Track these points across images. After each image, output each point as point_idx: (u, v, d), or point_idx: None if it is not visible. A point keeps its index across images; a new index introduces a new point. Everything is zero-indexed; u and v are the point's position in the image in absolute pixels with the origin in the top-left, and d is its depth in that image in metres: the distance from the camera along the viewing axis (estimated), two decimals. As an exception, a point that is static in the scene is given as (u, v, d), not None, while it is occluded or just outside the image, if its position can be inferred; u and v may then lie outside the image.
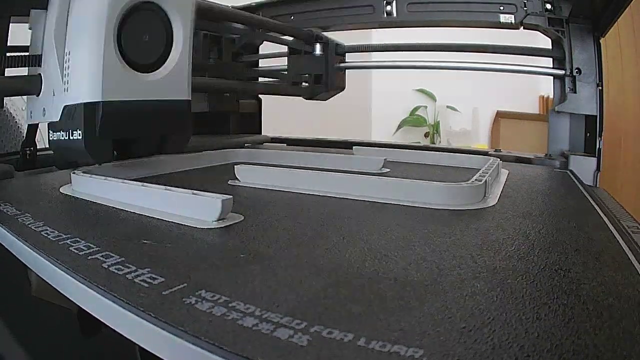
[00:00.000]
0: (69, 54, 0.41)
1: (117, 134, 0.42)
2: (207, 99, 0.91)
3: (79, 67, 0.40)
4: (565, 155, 0.68)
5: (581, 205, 0.38)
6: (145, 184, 0.34)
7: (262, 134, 1.00)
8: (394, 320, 0.16)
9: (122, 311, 0.18)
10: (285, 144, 0.91)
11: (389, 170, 0.54)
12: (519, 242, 0.26)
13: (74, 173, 0.41)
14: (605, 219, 0.33)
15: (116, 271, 0.21)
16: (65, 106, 0.41)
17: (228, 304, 0.18)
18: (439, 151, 0.67)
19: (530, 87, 2.50)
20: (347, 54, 0.89)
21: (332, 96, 0.91)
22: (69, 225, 0.29)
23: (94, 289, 0.20)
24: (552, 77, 0.74)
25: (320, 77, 0.86)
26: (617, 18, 0.65)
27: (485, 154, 0.70)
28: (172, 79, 0.45)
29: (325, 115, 1.54)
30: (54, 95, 0.42)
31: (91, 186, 0.39)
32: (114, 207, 0.34)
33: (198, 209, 0.30)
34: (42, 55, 0.43)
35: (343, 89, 0.91)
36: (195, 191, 0.31)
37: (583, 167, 0.65)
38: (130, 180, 0.37)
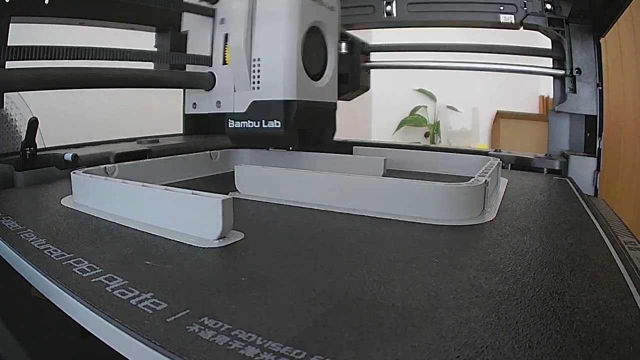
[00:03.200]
0: (259, 60, 0.53)
1: (302, 125, 0.55)
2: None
3: (274, 72, 0.52)
4: (565, 155, 0.68)
5: (579, 220, 0.38)
6: (145, 184, 0.34)
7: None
8: (391, 350, 0.17)
9: (128, 338, 0.18)
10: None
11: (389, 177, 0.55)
12: (516, 262, 0.27)
13: (74, 173, 0.41)
14: (602, 233, 0.33)
15: (120, 295, 0.21)
16: (254, 101, 0.54)
17: (230, 332, 0.18)
18: (438, 151, 0.67)
19: (530, 87, 2.50)
20: (370, 53, 0.88)
21: (357, 96, 0.90)
22: (72, 242, 0.29)
23: (98, 314, 0.20)
24: (552, 77, 0.74)
25: (347, 77, 0.84)
26: (617, 18, 0.65)
27: (485, 154, 0.70)
28: (328, 86, 0.60)
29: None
30: (235, 91, 0.55)
31: (91, 194, 0.39)
32: (115, 223, 0.34)
33: (199, 227, 0.30)
34: (211, 56, 0.56)
35: (368, 88, 0.90)
36: (195, 193, 0.31)
37: (583, 167, 0.65)
38: (130, 180, 0.37)
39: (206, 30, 0.56)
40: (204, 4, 0.55)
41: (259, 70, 0.53)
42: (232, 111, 0.55)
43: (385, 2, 0.83)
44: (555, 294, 0.22)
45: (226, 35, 0.54)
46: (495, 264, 0.26)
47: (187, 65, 0.57)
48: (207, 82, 0.55)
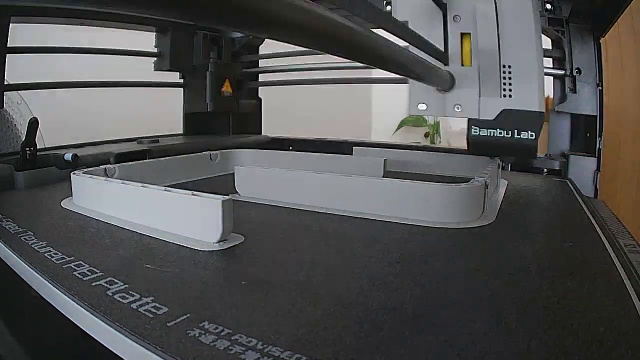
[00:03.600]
0: (509, 67, 0.51)
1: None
2: (208, 99, 0.91)
3: (527, 81, 0.51)
4: (565, 155, 0.68)
5: (579, 222, 0.38)
6: (145, 184, 0.34)
7: (262, 134, 1.00)
8: (390, 354, 0.17)
9: (129, 342, 0.18)
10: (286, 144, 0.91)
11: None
12: (516, 265, 0.27)
13: (74, 174, 0.41)
14: (602, 236, 0.33)
15: (121, 299, 0.21)
16: (505, 109, 0.52)
17: (231, 337, 0.18)
18: (438, 152, 0.67)
19: (530, 87, 2.49)
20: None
21: None
22: (72, 245, 0.30)
23: (100, 318, 0.20)
24: (552, 77, 0.74)
25: None
26: (617, 18, 0.65)
27: (485, 154, 0.69)
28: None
29: (325, 115, 1.54)
30: (479, 96, 0.53)
31: (91, 195, 0.39)
32: (115, 225, 0.34)
33: (200, 229, 0.30)
34: (448, 55, 0.53)
35: None
36: (195, 194, 0.31)
37: (583, 167, 0.65)
38: (129, 181, 0.37)
39: (434, 24, 0.53)
40: None
41: (510, 77, 0.51)
42: (476, 117, 0.53)
43: (385, 2, 0.83)
44: (555, 298, 0.22)
45: (462, 34, 0.52)
46: (495, 267, 0.26)
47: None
48: (447, 82, 0.52)
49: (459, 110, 0.53)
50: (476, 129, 0.54)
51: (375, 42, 0.32)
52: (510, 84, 0.51)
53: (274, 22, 0.19)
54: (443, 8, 0.52)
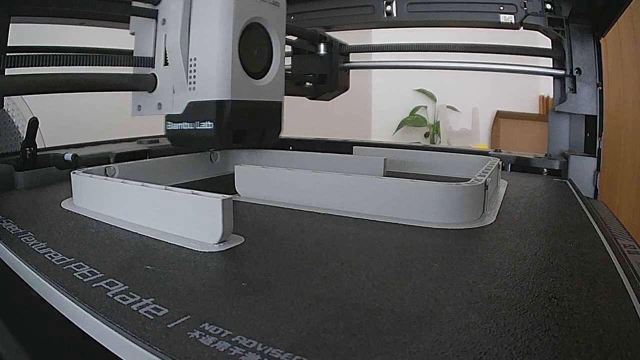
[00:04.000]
0: (195, 60, 0.50)
1: (238, 125, 0.53)
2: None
3: (209, 72, 0.50)
4: (565, 155, 0.68)
5: (579, 223, 0.38)
6: (145, 184, 0.34)
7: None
8: (390, 356, 0.17)
9: (129, 343, 0.18)
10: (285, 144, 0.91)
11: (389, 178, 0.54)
12: (515, 266, 0.26)
13: (74, 173, 0.41)
14: (602, 237, 0.33)
15: (121, 301, 0.21)
16: (191, 102, 0.51)
17: (231, 339, 0.18)
18: (438, 151, 0.67)
19: (530, 87, 2.50)
20: (350, 54, 0.88)
21: (336, 96, 0.91)
22: (72, 246, 0.30)
23: (100, 320, 0.20)
24: (552, 77, 0.74)
25: (325, 77, 0.85)
26: (617, 18, 0.65)
27: (485, 154, 0.70)
28: (272, 84, 0.57)
29: (325, 115, 1.54)
30: (174, 92, 0.52)
31: (91, 195, 0.39)
32: (115, 226, 0.34)
33: (200, 229, 0.30)
34: (154, 58, 0.54)
35: (347, 89, 0.91)
36: (195, 193, 0.31)
37: (583, 167, 0.65)
38: (129, 180, 0.37)
39: (149, 31, 0.55)
40: (148, 5, 0.54)
41: (195, 70, 0.51)
42: (171, 112, 0.53)
43: (385, 2, 0.83)
44: (554, 299, 0.22)
45: (165, 36, 0.53)
46: (494, 269, 0.26)
47: (133, 67, 0.55)
48: (149, 84, 0.54)
49: (160, 108, 0.54)
50: (169, 124, 0.54)
51: (77, 79, 0.47)
52: (194, 77, 0.51)
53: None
54: (154, 15, 0.54)
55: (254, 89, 0.54)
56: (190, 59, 0.51)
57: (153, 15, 0.54)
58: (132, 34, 0.56)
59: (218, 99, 0.50)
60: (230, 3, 0.49)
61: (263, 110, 0.56)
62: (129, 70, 0.55)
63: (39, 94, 0.46)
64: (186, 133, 0.52)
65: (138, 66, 0.54)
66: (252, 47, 0.53)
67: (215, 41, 0.49)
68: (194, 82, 0.51)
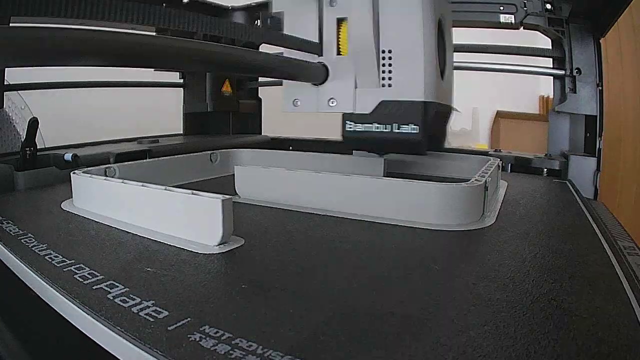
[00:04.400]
0: (389, 52, 0.44)
1: (433, 129, 0.48)
2: (208, 99, 0.91)
3: (411, 68, 0.44)
4: (565, 155, 0.68)
5: (579, 224, 0.38)
6: (145, 184, 0.34)
7: (262, 134, 1.00)
8: (389, 359, 0.17)
9: (130, 346, 0.18)
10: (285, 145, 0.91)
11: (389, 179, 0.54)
12: (515, 268, 0.26)
13: (74, 173, 0.41)
14: (601, 238, 0.33)
15: (121, 303, 0.21)
16: (383, 101, 0.45)
17: (231, 341, 0.18)
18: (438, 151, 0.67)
19: (530, 87, 2.50)
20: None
21: None
22: (73, 248, 0.30)
23: (101, 322, 0.20)
24: (552, 77, 0.74)
25: None
26: (617, 18, 0.65)
27: (485, 154, 0.70)
28: (448, 85, 0.51)
29: (325, 115, 1.54)
30: (356, 87, 0.46)
31: (91, 196, 0.39)
32: (115, 228, 0.34)
33: (200, 232, 0.30)
34: (321, 44, 0.47)
35: None
36: (195, 193, 0.31)
37: (583, 167, 0.65)
38: (129, 181, 0.37)
39: (309, 12, 0.47)
40: None
41: (390, 65, 0.45)
42: (351, 111, 0.47)
43: None
44: (554, 301, 0.22)
45: (339, 20, 0.46)
46: (494, 271, 0.26)
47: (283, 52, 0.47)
48: (319, 75, 0.47)
49: (334, 104, 0.47)
50: (350, 124, 0.47)
51: (235, 55, 0.34)
52: (390, 72, 0.45)
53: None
54: None
55: (441, 90, 0.49)
56: (383, 51, 0.45)
57: None
58: (272, 16, 0.48)
59: (425, 100, 0.45)
60: None
61: (444, 113, 0.53)
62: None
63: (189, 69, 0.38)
64: (377, 136, 0.47)
65: (302, 51, 0.46)
66: (438, 46, 0.48)
67: (420, 32, 0.43)
68: (390, 79, 0.45)
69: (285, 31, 0.48)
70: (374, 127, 0.46)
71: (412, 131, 0.45)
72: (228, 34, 0.35)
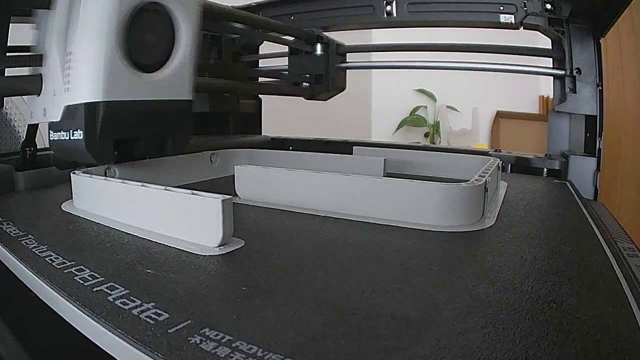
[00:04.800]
0: (71, 54, 0.40)
1: (119, 134, 0.42)
2: (208, 99, 0.91)
3: (81, 67, 0.40)
4: (565, 155, 0.68)
5: (578, 225, 0.38)
6: (145, 184, 0.34)
7: (262, 134, 1.00)
8: None
9: (130, 349, 0.18)
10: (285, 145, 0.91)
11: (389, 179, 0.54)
12: (515, 270, 0.27)
13: (74, 174, 0.41)
14: (601, 240, 0.33)
15: (122, 305, 0.21)
16: (66, 106, 0.41)
17: (232, 344, 0.18)
18: (438, 151, 0.67)
19: (530, 87, 2.50)
20: (347, 54, 0.88)
21: (332, 96, 0.91)
22: (73, 249, 0.30)
23: (101, 324, 0.20)
24: (552, 77, 0.74)
25: (321, 77, 0.85)
26: (617, 18, 0.65)
27: (485, 154, 0.70)
28: (174, 78, 0.45)
29: (325, 115, 1.54)
30: (54, 95, 0.42)
31: (91, 197, 0.39)
32: (115, 229, 0.34)
33: (200, 233, 0.30)
34: (43, 55, 0.43)
35: (343, 89, 0.91)
36: (195, 193, 0.31)
37: (583, 167, 0.65)
38: (129, 181, 0.37)
39: (44, 24, 0.43)
40: None
41: (70, 67, 0.40)
42: (51, 119, 0.42)
43: (385, 2, 0.83)
44: (553, 304, 0.22)
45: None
46: (494, 273, 0.26)
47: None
48: (35, 86, 0.43)
49: (44, 114, 0.43)
50: (51, 134, 0.43)
51: None
52: (69, 75, 0.40)
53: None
54: (46, 4, 0.42)
55: (144, 85, 0.42)
56: (68, 53, 0.40)
57: (45, 5, 0.42)
58: (35, 29, 0.45)
59: (87, 101, 0.39)
60: None
61: (159, 112, 0.44)
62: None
63: None
64: (63, 145, 0.41)
65: (28, 65, 0.44)
66: (145, 33, 0.42)
67: (91, 28, 0.39)
68: (69, 81, 0.40)
69: (35, 45, 0.45)
70: (62, 135, 0.41)
71: (78, 137, 0.40)
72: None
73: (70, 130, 0.40)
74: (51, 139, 0.43)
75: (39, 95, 0.44)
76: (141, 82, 0.42)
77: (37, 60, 0.43)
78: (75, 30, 0.40)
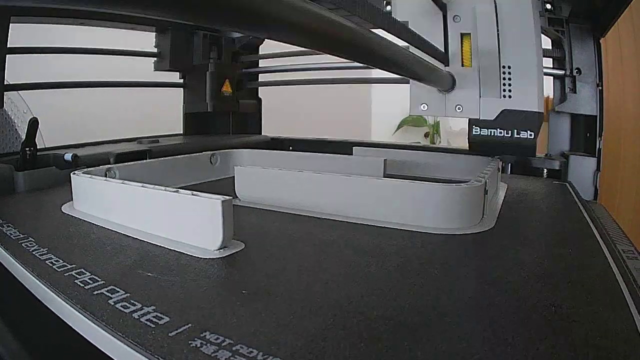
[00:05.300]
0: (509, 68, 0.52)
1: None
2: (208, 99, 0.91)
3: (527, 82, 0.52)
4: (565, 155, 0.68)
5: (578, 227, 0.38)
6: (144, 185, 0.34)
7: (262, 134, 1.00)
8: None
9: (131, 352, 0.18)
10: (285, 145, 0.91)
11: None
12: (515, 273, 0.27)
13: (74, 174, 0.41)
14: (601, 242, 0.33)
15: (122, 309, 0.21)
16: (505, 110, 0.54)
17: (232, 347, 0.18)
18: (438, 152, 0.67)
19: (530, 87, 2.50)
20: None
21: None
22: (73, 252, 0.30)
23: (102, 328, 0.20)
24: (552, 77, 0.74)
25: None
26: (617, 18, 0.65)
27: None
28: None
29: (325, 115, 1.54)
30: (480, 97, 0.54)
31: (91, 198, 0.39)
32: (115, 232, 0.34)
33: (200, 236, 0.30)
34: (448, 56, 0.54)
35: None
36: (195, 194, 0.31)
37: (583, 167, 0.65)
38: (129, 181, 0.37)
39: (434, 24, 0.53)
40: None
41: (509, 78, 0.53)
42: (477, 117, 0.55)
43: (385, 2, 0.83)
44: (552, 307, 0.22)
45: (462, 35, 0.53)
46: (494, 276, 0.26)
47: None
48: (447, 82, 0.53)
49: (460, 110, 0.55)
50: (477, 129, 0.55)
51: (375, 42, 0.31)
52: (509, 85, 0.52)
53: (275, 22, 0.19)
54: (443, 8, 0.53)
55: None
56: (504, 66, 0.53)
57: (441, 6, 0.53)
58: (404, 22, 0.52)
59: (539, 111, 0.53)
60: (537, 13, 0.51)
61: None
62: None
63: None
64: (498, 140, 0.55)
65: (430, 55, 0.51)
66: None
67: (535, 50, 0.51)
68: (509, 90, 0.53)
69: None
70: (497, 132, 0.54)
71: (529, 137, 0.54)
72: (368, 18, 0.32)
73: (516, 130, 0.54)
74: (476, 133, 0.56)
75: (448, 91, 0.54)
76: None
77: (443, 57, 0.53)
78: (512, 48, 0.51)
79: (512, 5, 0.51)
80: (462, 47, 0.53)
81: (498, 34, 0.52)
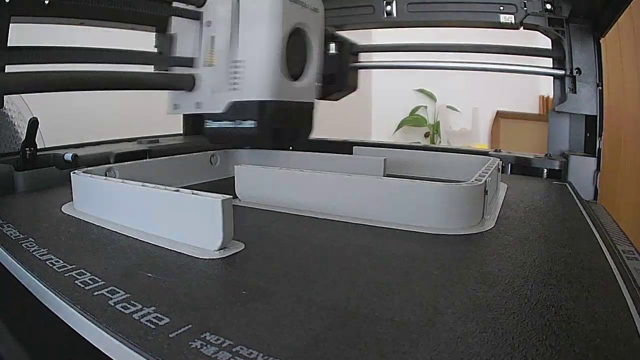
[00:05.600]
0: (241, 62, 0.55)
1: (277, 124, 0.57)
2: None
3: (254, 73, 0.54)
4: (565, 155, 0.68)
5: (578, 228, 0.38)
6: (145, 184, 0.34)
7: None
8: None
9: (132, 353, 0.18)
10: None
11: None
12: (514, 273, 0.27)
13: (74, 173, 0.41)
14: (601, 242, 0.33)
15: (122, 310, 0.21)
16: (232, 102, 0.55)
17: (232, 349, 0.18)
18: (438, 151, 0.67)
19: (530, 87, 2.50)
20: (358, 53, 0.88)
21: (344, 96, 0.90)
22: (73, 253, 0.29)
23: (102, 329, 0.20)
24: (552, 77, 0.74)
25: (333, 77, 0.83)
26: (617, 18, 0.65)
27: (485, 154, 0.70)
28: (308, 86, 0.62)
29: (325, 115, 1.53)
30: (213, 92, 0.56)
31: (91, 198, 0.39)
32: (116, 232, 0.34)
33: (200, 236, 0.30)
34: (194, 58, 0.57)
35: (355, 88, 0.90)
36: (195, 193, 0.31)
37: (583, 167, 0.65)
38: (129, 180, 0.37)
39: (193, 33, 0.57)
40: (191, 7, 0.56)
41: (238, 72, 0.55)
42: (211, 111, 0.57)
43: (385, 2, 0.83)
44: (552, 308, 0.22)
45: (212, 38, 0.56)
46: (493, 276, 0.26)
47: (173, 67, 0.60)
48: (187, 84, 0.57)
49: (198, 107, 0.58)
50: (209, 122, 0.58)
51: (120, 75, 0.48)
52: (240, 78, 0.55)
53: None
54: (198, 16, 0.57)
55: (292, 90, 0.59)
56: (237, 61, 0.55)
57: (197, 16, 0.56)
58: (170, 35, 0.60)
59: (260, 99, 0.54)
60: (278, 8, 0.53)
61: (298, 110, 0.61)
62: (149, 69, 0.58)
63: (69, 90, 0.48)
64: (227, 131, 0.56)
65: (180, 66, 0.58)
66: (294, 51, 0.57)
67: (266, 45, 0.54)
68: (236, 83, 0.55)
69: (177, 49, 0.60)
70: (225, 124, 0.56)
71: (250, 125, 0.55)
72: (122, 60, 0.52)
73: (239, 120, 0.55)
74: (208, 126, 0.58)
75: (190, 90, 0.57)
76: (290, 88, 0.58)
77: (189, 62, 0.57)
78: (246, 44, 0.54)
79: (250, 6, 0.54)
80: (212, 49, 0.56)
81: (237, 33, 0.55)
